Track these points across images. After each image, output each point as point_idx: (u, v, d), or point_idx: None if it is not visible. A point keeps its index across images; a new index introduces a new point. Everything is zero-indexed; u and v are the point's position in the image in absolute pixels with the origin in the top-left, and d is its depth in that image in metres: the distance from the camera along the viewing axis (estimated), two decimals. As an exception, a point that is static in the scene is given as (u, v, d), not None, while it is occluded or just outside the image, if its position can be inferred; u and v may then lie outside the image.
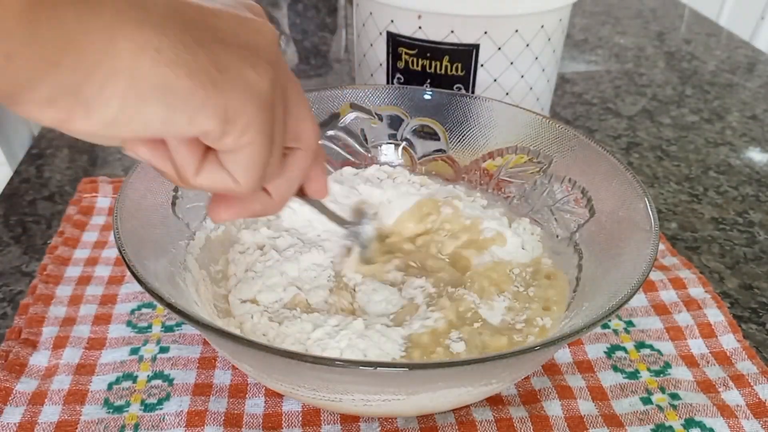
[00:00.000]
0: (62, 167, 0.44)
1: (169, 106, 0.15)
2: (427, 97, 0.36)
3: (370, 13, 0.40)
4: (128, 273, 0.34)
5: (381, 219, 0.34)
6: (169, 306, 0.21)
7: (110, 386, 0.27)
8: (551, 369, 0.29)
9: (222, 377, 0.28)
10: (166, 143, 0.17)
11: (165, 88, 0.15)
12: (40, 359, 0.28)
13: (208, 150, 0.18)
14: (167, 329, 0.30)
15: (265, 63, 0.17)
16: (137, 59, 0.15)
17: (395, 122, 0.37)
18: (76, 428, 0.26)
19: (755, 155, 0.48)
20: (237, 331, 0.27)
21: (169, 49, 0.15)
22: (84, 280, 0.33)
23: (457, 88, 0.40)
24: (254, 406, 0.27)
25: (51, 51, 0.14)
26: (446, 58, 0.39)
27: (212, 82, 0.16)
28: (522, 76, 0.40)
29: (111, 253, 0.35)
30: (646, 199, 0.26)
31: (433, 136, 0.37)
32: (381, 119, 0.36)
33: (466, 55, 0.38)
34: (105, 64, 0.14)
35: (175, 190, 0.30)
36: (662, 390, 0.28)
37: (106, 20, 0.14)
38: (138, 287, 0.33)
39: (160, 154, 0.18)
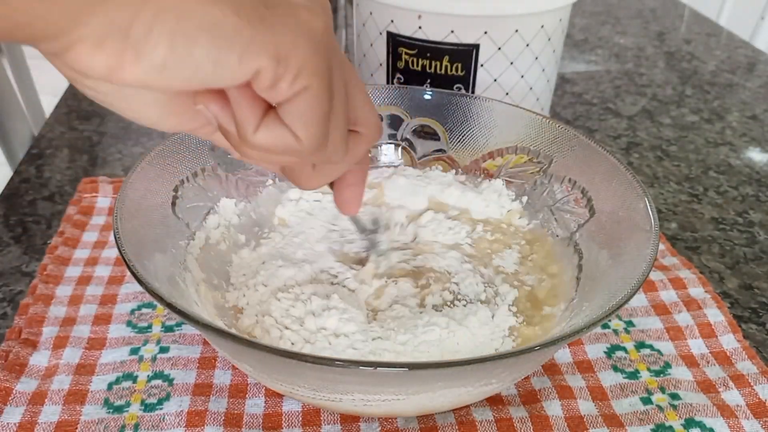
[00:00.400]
0: (62, 167, 0.44)
1: (217, 45, 0.15)
2: (427, 97, 0.36)
3: (370, 13, 0.40)
4: (128, 273, 0.34)
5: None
6: (169, 306, 0.21)
7: (110, 386, 0.27)
8: (551, 369, 0.29)
9: (222, 377, 0.28)
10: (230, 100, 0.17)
11: (212, 27, 0.15)
12: (40, 359, 0.28)
13: (268, 110, 0.17)
14: (167, 329, 0.30)
15: (319, 7, 0.17)
16: None
17: (395, 122, 0.37)
18: (76, 428, 0.26)
19: (755, 155, 0.48)
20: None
21: None
22: (84, 280, 0.33)
23: (457, 88, 0.40)
24: (254, 406, 0.27)
25: None
26: (446, 58, 0.39)
27: (260, 18, 0.15)
28: (522, 76, 0.40)
29: (111, 253, 0.35)
30: (646, 199, 0.26)
31: (433, 136, 0.37)
32: (381, 119, 0.36)
33: (466, 55, 0.38)
34: (152, 2, 0.14)
35: (175, 190, 0.30)
36: (662, 390, 0.28)
37: None
38: (138, 287, 0.33)
39: (227, 112, 0.18)
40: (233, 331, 0.26)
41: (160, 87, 0.16)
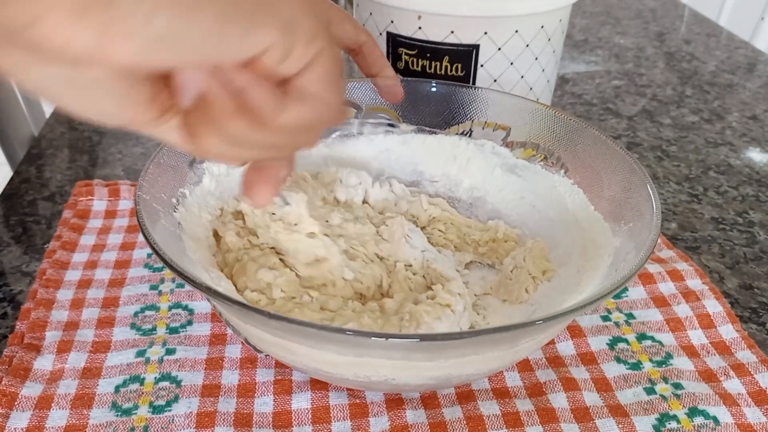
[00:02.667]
0: (62, 167, 0.46)
1: (219, 18, 0.14)
2: (433, 89, 0.38)
3: (370, 14, 0.43)
4: (129, 275, 0.36)
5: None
6: (211, 291, 0.23)
7: (117, 389, 0.29)
8: (555, 361, 0.31)
9: (230, 377, 0.30)
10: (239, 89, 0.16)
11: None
12: (44, 363, 0.30)
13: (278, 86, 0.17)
14: (172, 331, 0.32)
15: None
16: None
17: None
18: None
19: (755, 155, 0.50)
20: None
21: None
22: (84, 284, 0.35)
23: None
24: (263, 404, 0.29)
25: None
26: (446, 58, 0.41)
27: None
28: (522, 77, 0.42)
29: (110, 255, 0.37)
30: (648, 185, 0.29)
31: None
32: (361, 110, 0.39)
33: (466, 55, 0.41)
34: None
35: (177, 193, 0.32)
36: (665, 380, 0.30)
37: None
38: (140, 289, 0.34)
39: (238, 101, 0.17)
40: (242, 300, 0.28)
41: (153, 64, 0.14)
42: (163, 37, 0.14)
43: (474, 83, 0.42)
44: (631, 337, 0.33)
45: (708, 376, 0.30)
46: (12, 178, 0.44)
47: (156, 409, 0.28)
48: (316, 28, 0.17)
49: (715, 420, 0.28)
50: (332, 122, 0.19)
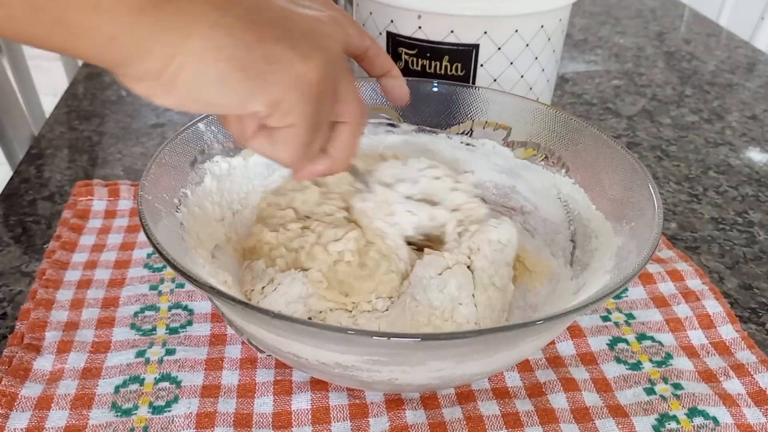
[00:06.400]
0: (62, 167, 0.46)
1: (224, 92, 0.21)
2: (435, 89, 0.38)
3: (370, 13, 0.43)
4: (129, 275, 0.36)
5: None
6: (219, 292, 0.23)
7: (117, 389, 0.29)
8: (555, 362, 0.31)
9: (230, 378, 0.30)
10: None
11: (220, 81, 0.21)
12: (44, 364, 0.30)
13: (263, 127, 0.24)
14: (172, 331, 0.32)
15: (320, 57, 0.23)
16: (203, 56, 0.20)
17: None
18: None
19: (755, 155, 0.51)
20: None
21: (229, 47, 0.21)
22: (84, 284, 0.35)
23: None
24: (263, 405, 0.29)
25: (144, 40, 0.20)
26: (446, 58, 0.41)
27: (259, 74, 0.21)
28: (522, 76, 0.42)
29: (110, 255, 0.37)
30: (649, 184, 0.29)
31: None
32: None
33: (466, 55, 0.41)
34: (179, 57, 0.20)
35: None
36: (665, 380, 0.30)
37: (188, 20, 0.20)
38: (139, 290, 0.35)
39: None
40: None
41: (182, 110, 0.23)
42: (184, 99, 0.22)
43: (474, 83, 0.42)
44: (630, 337, 0.33)
45: (708, 377, 0.30)
46: (12, 178, 0.45)
47: (156, 410, 0.28)
48: (297, 109, 0.23)
49: (715, 420, 0.28)
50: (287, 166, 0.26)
